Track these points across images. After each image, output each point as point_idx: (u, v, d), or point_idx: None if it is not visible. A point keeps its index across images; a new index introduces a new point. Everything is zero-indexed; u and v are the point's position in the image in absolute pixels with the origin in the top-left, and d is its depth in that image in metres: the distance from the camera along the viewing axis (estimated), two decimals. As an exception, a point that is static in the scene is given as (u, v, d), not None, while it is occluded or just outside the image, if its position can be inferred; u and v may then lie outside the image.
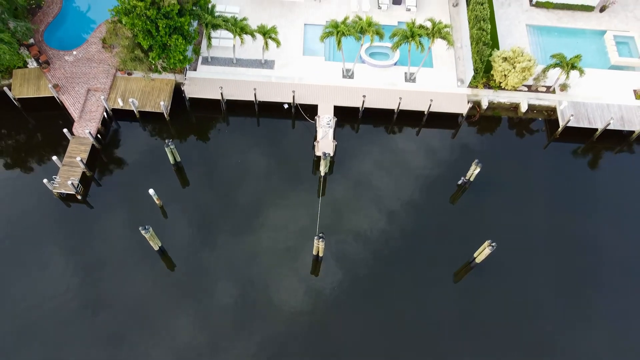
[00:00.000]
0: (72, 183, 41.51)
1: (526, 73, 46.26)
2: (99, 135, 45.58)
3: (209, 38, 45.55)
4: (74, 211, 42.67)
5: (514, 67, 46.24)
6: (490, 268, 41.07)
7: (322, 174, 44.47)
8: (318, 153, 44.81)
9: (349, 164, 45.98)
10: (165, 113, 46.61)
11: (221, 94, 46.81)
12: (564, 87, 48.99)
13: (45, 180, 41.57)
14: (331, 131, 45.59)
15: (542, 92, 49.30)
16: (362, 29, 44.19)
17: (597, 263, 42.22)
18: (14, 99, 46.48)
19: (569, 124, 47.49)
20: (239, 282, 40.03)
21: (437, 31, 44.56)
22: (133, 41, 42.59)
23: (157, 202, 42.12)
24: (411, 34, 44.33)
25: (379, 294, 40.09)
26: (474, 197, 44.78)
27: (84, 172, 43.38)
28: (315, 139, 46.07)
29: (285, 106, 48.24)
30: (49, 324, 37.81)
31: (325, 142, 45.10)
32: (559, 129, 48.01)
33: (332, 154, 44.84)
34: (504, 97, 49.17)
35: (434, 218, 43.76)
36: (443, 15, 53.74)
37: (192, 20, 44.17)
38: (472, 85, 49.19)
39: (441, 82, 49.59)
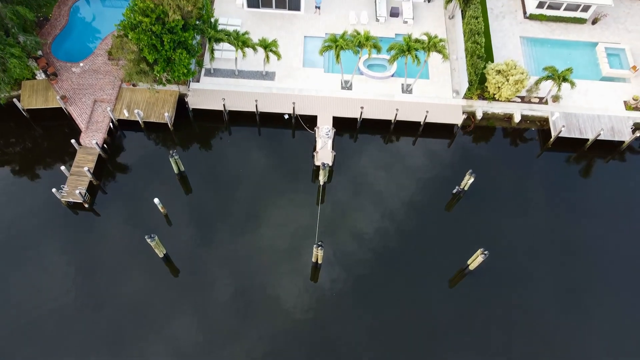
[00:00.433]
0: (79, 192, 43.01)
1: (519, 85, 47.72)
2: (105, 145, 47.06)
3: (212, 51, 47.02)
4: (81, 219, 44.15)
5: (507, 80, 47.73)
6: (483, 275, 42.54)
7: (321, 183, 45.96)
8: (317, 163, 46.31)
9: (348, 174, 47.46)
10: (169, 123, 48.12)
11: (223, 105, 48.30)
12: (556, 98, 50.50)
13: (54, 190, 43.07)
14: (330, 141, 47.08)
15: (535, 103, 50.79)
16: (360, 43, 45.68)
17: (589, 270, 43.67)
18: (23, 109, 47.94)
19: (561, 134, 48.99)
20: (239, 285, 41.54)
21: (433, 45, 46.03)
22: (139, 55, 44.01)
23: (161, 210, 43.61)
24: (408, 48, 45.82)
25: (376, 299, 41.56)
26: (468, 205, 46.22)
27: (91, 182, 44.85)
28: (314, 149, 47.55)
29: (286, 117, 49.74)
30: (56, 328, 39.32)
31: (324, 152, 46.58)
32: (551, 139, 49.49)
33: (330, 164, 46.33)
34: (497, 108, 50.68)
35: (429, 226, 45.25)
36: (439, 28, 55.23)
37: (195, 35, 45.65)
38: (467, 96, 50.69)
39: (437, 94, 51.07)
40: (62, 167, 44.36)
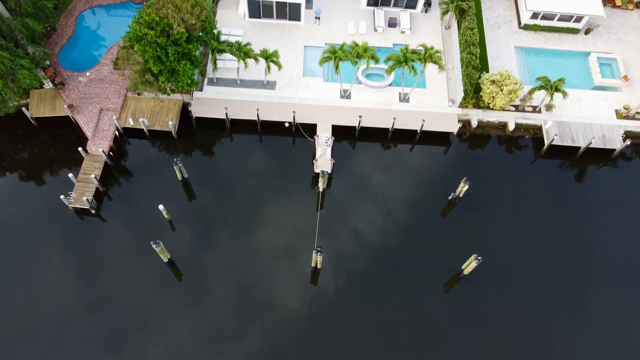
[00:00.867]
0: (86, 199, 44.44)
1: (512, 95, 49.10)
2: (111, 153, 48.46)
3: (215, 62, 48.46)
4: (88, 225, 45.54)
5: (501, 90, 49.14)
6: (477, 279, 43.94)
7: (321, 189, 47.37)
8: (317, 170, 47.71)
9: (346, 181, 48.87)
10: (173, 131, 49.56)
11: (226, 113, 49.72)
12: (549, 107, 51.91)
13: (62, 197, 44.50)
14: (329, 149, 48.50)
15: (528, 111, 52.19)
16: (358, 54, 47.09)
17: (582, 275, 45.01)
18: (31, 118, 49.30)
19: (554, 142, 50.38)
20: (241, 289, 42.96)
21: (429, 56, 47.43)
22: (144, 66, 45.40)
23: (166, 216, 45.02)
24: (404, 59, 47.23)
25: (373, 303, 42.98)
26: (463, 211, 47.59)
27: (97, 188, 46.26)
28: (314, 156, 48.96)
29: (286, 125, 51.15)
30: (62, 331, 40.77)
31: (323, 160, 47.99)
32: (545, 147, 50.88)
33: (329, 172, 47.74)
34: (492, 117, 52.10)
35: (425, 231, 46.65)
36: (436, 38, 56.67)
37: (199, 46, 47.08)
38: (463, 105, 52.11)
39: (433, 102, 52.49)
40: (70, 174, 45.79)
